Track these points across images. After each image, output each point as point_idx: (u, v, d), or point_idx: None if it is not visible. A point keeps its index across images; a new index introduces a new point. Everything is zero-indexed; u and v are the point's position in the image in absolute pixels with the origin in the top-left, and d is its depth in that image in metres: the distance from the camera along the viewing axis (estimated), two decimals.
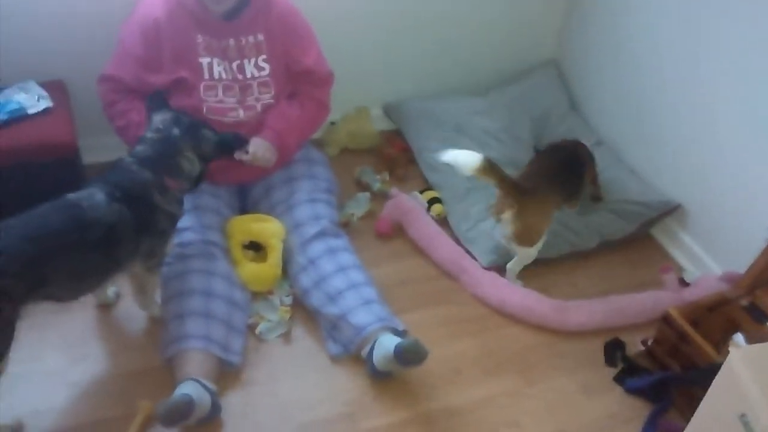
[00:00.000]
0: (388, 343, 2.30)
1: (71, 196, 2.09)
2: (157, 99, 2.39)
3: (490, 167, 2.50)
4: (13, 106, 2.56)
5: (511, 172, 3.08)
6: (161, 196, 2.22)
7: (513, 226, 2.59)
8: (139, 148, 2.24)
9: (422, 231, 2.89)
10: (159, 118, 2.29)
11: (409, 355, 2.24)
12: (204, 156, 2.34)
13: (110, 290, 2.51)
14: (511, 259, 2.74)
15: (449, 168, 3.06)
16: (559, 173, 2.77)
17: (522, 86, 3.52)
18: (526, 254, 2.69)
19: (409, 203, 2.96)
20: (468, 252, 2.84)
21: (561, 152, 2.90)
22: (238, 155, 2.54)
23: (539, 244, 2.68)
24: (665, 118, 3.02)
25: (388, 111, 3.45)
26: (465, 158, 2.50)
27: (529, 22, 3.54)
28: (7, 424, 2.10)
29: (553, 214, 2.72)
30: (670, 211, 2.99)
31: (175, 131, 2.25)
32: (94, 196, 2.09)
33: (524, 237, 2.63)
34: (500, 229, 2.66)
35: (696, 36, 2.82)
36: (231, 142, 2.44)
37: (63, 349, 2.38)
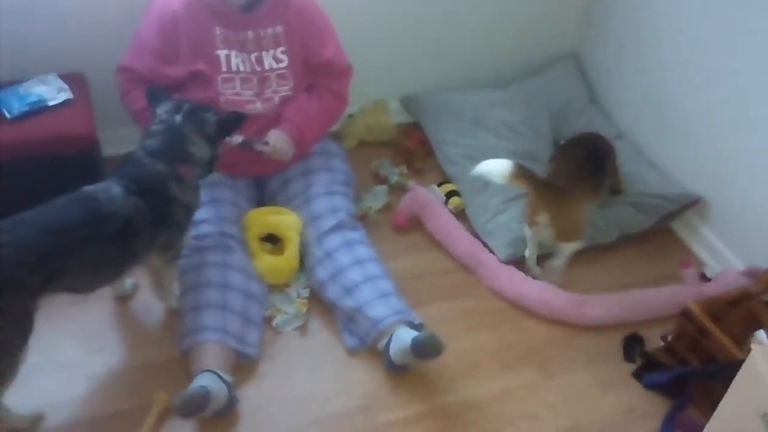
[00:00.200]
0: (404, 336, 2.29)
1: (87, 188, 2.09)
2: (155, 93, 2.37)
3: (522, 173, 2.48)
4: (33, 98, 2.57)
5: (531, 165, 3.07)
6: (177, 187, 2.22)
7: (552, 229, 2.57)
8: (148, 142, 2.23)
9: (440, 224, 2.88)
10: (161, 110, 2.29)
11: (426, 349, 2.23)
12: (209, 138, 2.31)
13: (128, 282, 2.52)
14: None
15: (467, 160, 3.05)
16: (584, 167, 2.74)
17: (541, 79, 3.49)
18: (572, 248, 2.68)
19: (426, 196, 2.94)
20: (486, 245, 2.82)
21: (583, 146, 2.86)
22: (258, 147, 2.54)
23: (583, 235, 2.67)
24: (686, 110, 2.99)
25: (406, 103, 3.43)
26: (496, 168, 2.47)
27: (549, 15, 3.50)
28: (26, 415, 2.12)
29: (589, 205, 2.70)
30: (691, 204, 2.96)
31: (178, 118, 2.25)
32: (110, 189, 2.10)
33: (567, 234, 2.62)
34: (538, 233, 2.63)
35: (719, 26, 2.78)
36: (231, 121, 2.39)
37: (80, 341, 2.39)
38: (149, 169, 2.18)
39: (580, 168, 2.72)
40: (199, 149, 2.28)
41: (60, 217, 1.99)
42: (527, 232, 2.68)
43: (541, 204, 2.56)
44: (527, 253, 2.74)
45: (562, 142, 3.14)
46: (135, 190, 2.12)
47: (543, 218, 2.57)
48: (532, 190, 2.55)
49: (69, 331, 2.41)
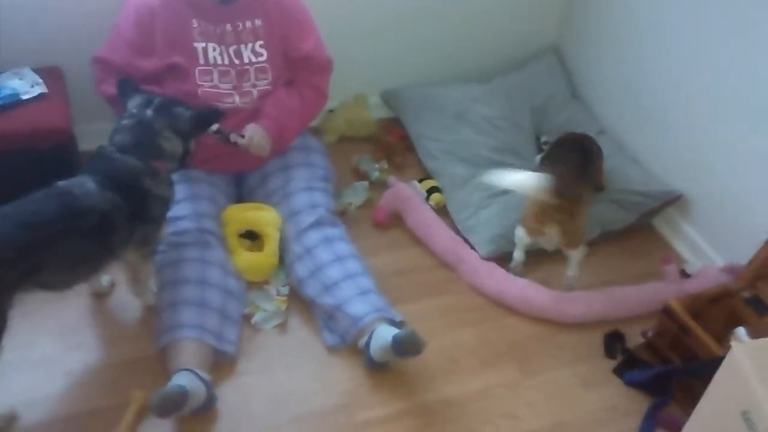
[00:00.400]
0: (385, 333, 2.27)
1: (62, 183, 2.07)
2: (126, 86, 2.33)
3: (553, 186, 2.41)
4: (6, 92, 2.54)
5: (512, 160, 3.06)
6: (151, 181, 2.19)
7: (563, 237, 2.54)
8: (118, 137, 2.19)
9: (420, 220, 2.86)
10: (132, 104, 2.25)
11: (407, 346, 2.21)
12: (182, 133, 2.26)
13: (104, 279, 2.49)
14: (512, 247, 2.72)
15: (448, 155, 3.03)
16: (580, 170, 2.71)
17: (523, 74, 3.48)
18: (582, 253, 2.64)
19: (407, 192, 2.92)
20: (467, 242, 2.80)
21: (574, 148, 2.81)
22: (234, 138, 2.51)
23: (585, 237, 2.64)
24: (669, 106, 2.98)
25: (387, 98, 3.41)
26: (527, 181, 2.40)
27: (530, 8, 3.49)
28: (1, 414, 2.09)
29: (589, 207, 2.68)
30: (672, 201, 2.95)
31: (149, 113, 2.20)
32: (84, 184, 2.07)
33: (576, 241, 2.59)
34: (545, 242, 2.59)
35: (702, 21, 2.77)
36: (206, 116, 2.34)
37: (57, 338, 2.36)
38: (121, 164, 2.15)
39: (578, 172, 2.68)
40: (171, 144, 2.24)
41: (36, 211, 1.96)
42: (522, 237, 2.62)
43: (554, 215, 2.48)
44: (516, 254, 2.71)
45: (544, 139, 3.12)
46: (109, 185, 2.09)
47: (553, 228, 2.51)
48: (550, 201, 2.44)
49: (45, 327, 2.38)
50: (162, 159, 2.22)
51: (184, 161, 2.31)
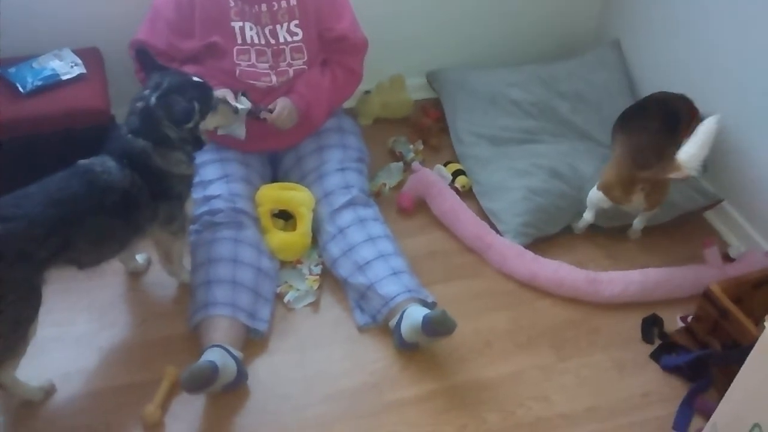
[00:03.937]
0: (416, 314, 2.26)
1: (83, 162, 2.10)
2: (145, 57, 2.29)
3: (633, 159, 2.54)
4: (47, 73, 2.58)
5: (554, 146, 2.99)
6: (165, 160, 2.18)
7: (649, 203, 2.57)
8: (131, 119, 2.18)
9: (445, 206, 2.81)
10: (149, 83, 2.20)
11: (437, 327, 2.20)
12: (177, 123, 2.17)
13: (140, 257, 2.52)
14: (541, 234, 2.71)
15: (475, 137, 2.99)
16: (665, 138, 2.62)
17: (572, 63, 3.33)
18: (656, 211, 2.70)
19: (431, 177, 2.87)
20: (493, 226, 2.76)
21: (660, 112, 2.71)
22: (264, 115, 2.53)
23: None
24: (715, 90, 2.87)
25: (431, 79, 3.37)
26: None
27: None
28: (39, 386, 2.14)
29: None
30: (713, 204, 2.88)
31: (153, 100, 2.16)
32: (105, 163, 2.10)
33: (659, 203, 2.63)
34: (628, 208, 2.62)
35: (752, 7, 2.65)
36: (186, 114, 2.18)
37: (94, 315, 2.41)
38: (133, 145, 2.14)
39: (661, 140, 2.60)
40: (174, 131, 2.18)
41: (62, 189, 2.00)
42: (601, 202, 2.63)
43: (640, 184, 2.52)
44: (587, 215, 2.74)
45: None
46: (127, 164, 2.11)
47: (640, 196, 2.55)
48: (636, 172, 2.51)
49: (83, 305, 2.43)
50: (170, 143, 2.19)
51: (198, 142, 2.27)
